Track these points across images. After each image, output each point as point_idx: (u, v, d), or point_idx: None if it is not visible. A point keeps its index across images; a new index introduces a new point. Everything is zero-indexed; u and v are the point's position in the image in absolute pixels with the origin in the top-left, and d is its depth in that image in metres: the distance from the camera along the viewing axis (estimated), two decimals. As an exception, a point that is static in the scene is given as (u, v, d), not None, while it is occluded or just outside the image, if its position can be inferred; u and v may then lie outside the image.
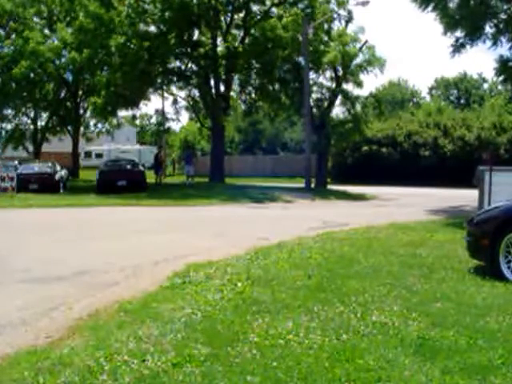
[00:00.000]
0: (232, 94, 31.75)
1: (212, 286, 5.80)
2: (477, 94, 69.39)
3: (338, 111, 35.58)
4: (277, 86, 31.13)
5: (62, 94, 38.21)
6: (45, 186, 23.12)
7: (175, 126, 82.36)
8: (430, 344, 3.98)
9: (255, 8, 30.05)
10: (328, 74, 31.41)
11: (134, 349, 3.91)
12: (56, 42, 34.27)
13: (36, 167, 25.80)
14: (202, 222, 13.45)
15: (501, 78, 19.22)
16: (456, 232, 9.62)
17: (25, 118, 40.68)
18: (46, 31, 36.77)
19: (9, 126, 40.14)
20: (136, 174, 25.32)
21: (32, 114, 40.42)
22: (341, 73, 30.45)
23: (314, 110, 30.22)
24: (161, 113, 38.29)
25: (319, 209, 17.25)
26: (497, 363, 3.63)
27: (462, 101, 69.53)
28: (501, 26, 17.52)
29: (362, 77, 30.66)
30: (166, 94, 34.56)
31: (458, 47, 18.27)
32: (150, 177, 29.34)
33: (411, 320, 4.54)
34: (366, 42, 30.38)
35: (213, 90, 29.22)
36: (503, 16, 17.73)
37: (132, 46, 26.75)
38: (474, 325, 4.43)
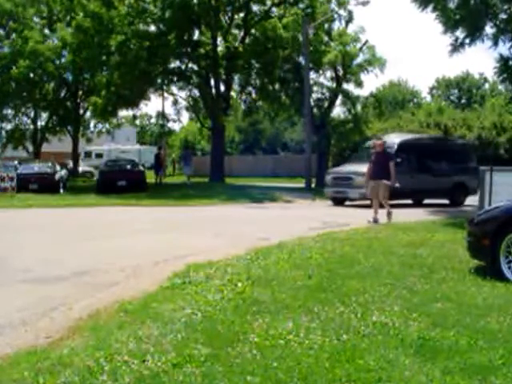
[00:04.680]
0: (232, 93, 31.77)
1: (212, 286, 5.80)
2: (478, 93, 69.39)
3: (339, 111, 35.64)
4: (277, 86, 31.14)
5: (62, 94, 38.23)
6: (45, 186, 23.13)
7: (175, 127, 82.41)
8: (430, 344, 3.97)
9: (255, 8, 30.08)
10: (328, 73, 31.45)
11: (134, 349, 3.91)
12: (56, 42, 34.30)
13: (36, 167, 25.80)
14: (202, 221, 13.44)
15: (501, 78, 19.17)
16: (456, 232, 9.60)
17: (25, 118, 40.72)
18: (46, 31, 36.80)
19: (9, 126, 40.19)
20: (136, 174, 25.35)
21: (32, 114, 40.44)
22: (341, 73, 30.47)
23: (315, 109, 30.24)
24: (161, 114, 38.27)
25: (319, 209, 17.24)
26: (497, 363, 3.63)
27: (463, 101, 69.55)
28: (501, 25, 17.49)
29: (363, 77, 30.71)
30: (166, 94, 34.58)
31: (456, 47, 18.24)
32: (150, 177, 29.34)
33: (412, 320, 4.53)
34: (367, 41, 30.42)
35: (213, 90, 29.23)
36: (503, 16, 17.70)
37: (132, 45, 26.76)
38: (475, 325, 4.43)
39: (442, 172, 18.97)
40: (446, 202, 19.15)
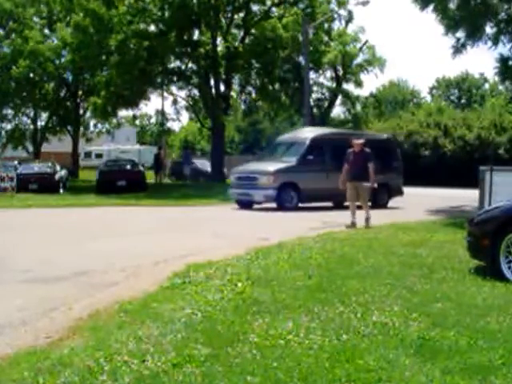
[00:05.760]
0: (232, 93, 31.80)
1: (212, 286, 5.79)
2: (478, 93, 69.41)
3: (339, 111, 35.73)
4: (277, 86, 31.20)
5: (62, 94, 38.23)
6: (44, 186, 23.13)
7: (175, 126, 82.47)
8: (430, 344, 3.97)
9: (255, 8, 30.14)
10: (328, 73, 31.55)
11: (134, 349, 3.91)
12: (56, 42, 34.33)
13: (36, 167, 25.81)
14: (201, 221, 13.43)
15: (502, 78, 19.16)
16: (456, 232, 9.60)
17: (25, 118, 40.74)
18: (46, 31, 36.83)
19: (9, 126, 40.21)
20: (136, 174, 25.37)
21: (32, 114, 40.44)
22: (341, 72, 30.52)
23: (315, 109, 30.30)
24: (161, 113, 38.32)
25: (319, 209, 17.22)
26: (497, 363, 3.63)
27: (463, 100, 69.58)
28: (501, 25, 17.50)
29: (363, 77, 30.82)
30: (165, 94, 34.61)
31: (458, 48, 18.24)
32: (150, 177, 29.33)
33: (412, 320, 4.53)
34: (367, 41, 30.51)
35: (213, 90, 29.25)
36: (504, 16, 17.72)
37: (131, 45, 26.80)
38: (475, 325, 4.43)
39: None
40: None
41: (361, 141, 12.21)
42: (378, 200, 17.24)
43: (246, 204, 16.69)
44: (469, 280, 6.10)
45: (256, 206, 16.74)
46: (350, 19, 31.23)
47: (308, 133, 17.85)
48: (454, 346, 3.94)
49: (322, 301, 5.12)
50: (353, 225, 11.47)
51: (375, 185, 11.99)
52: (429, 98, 73.34)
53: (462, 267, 6.76)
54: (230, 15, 29.83)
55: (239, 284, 5.78)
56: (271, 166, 16.46)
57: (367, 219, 11.56)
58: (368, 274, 6.35)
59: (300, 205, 16.32)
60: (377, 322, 4.48)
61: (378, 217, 12.26)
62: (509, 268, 6.19)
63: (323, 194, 16.37)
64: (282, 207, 15.86)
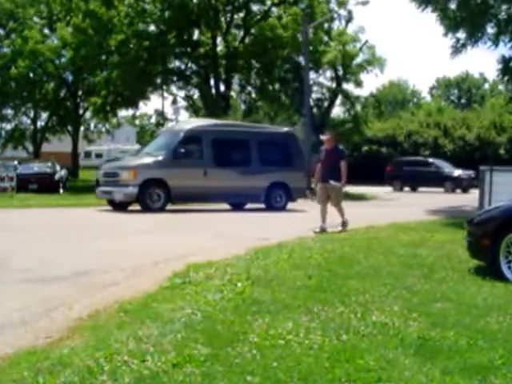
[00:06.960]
0: (232, 93, 31.81)
1: (212, 286, 5.79)
2: (478, 93, 69.49)
3: (338, 111, 35.77)
4: (277, 86, 31.21)
5: (62, 94, 38.23)
6: (44, 186, 23.16)
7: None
8: (430, 344, 3.97)
9: (255, 8, 30.14)
10: (328, 73, 31.55)
11: (134, 349, 3.90)
12: (56, 42, 34.37)
13: (36, 167, 25.85)
14: (201, 222, 13.43)
15: (505, 79, 19.18)
16: (456, 232, 9.60)
17: (25, 118, 40.76)
18: (46, 31, 36.86)
19: (9, 126, 40.23)
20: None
21: (32, 114, 40.45)
22: (341, 72, 30.52)
23: (315, 109, 30.29)
24: (160, 113, 38.33)
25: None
26: (497, 363, 3.62)
27: (463, 100, 69.64)
28: (502, 25, 17.52)
29: (363, 77, 30.80)
30: (165, 94, 34.63)
31: (458, 48, 18.25)
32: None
33: (411, 320, 4.53)
34: (366, 41, 30.50)
35: (213, 90, 29.26)
36: (504, 16, 17.73)
37: (131, 45, 26.82)
38: (475, 325, 4.43)
39: (252, 169, 15.37)
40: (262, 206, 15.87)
41: (328, 136, 10.90)
42: (274, 202, 15.66)
43: (118, 204, 14.93)
44: (469, 280, 6.10)
45: (254, 206, 16.66)
46: (349, 19, 31.25)
47: (185, 124, 16.26)
48: (454, 346, 3.94)
49: (322, 301, 5.12)
50: (322, 230, 10.39)
51: (341, 183, 10.63)
52: (429, 98, 73.41)
53: (462, 267, 6.76)
54: (229, 15, 29.84)
55: (239, 284, 5.78)
56: (136, 161, 15.09)
57: (344, 223, 10.77)
58: (368, 274, 6.35)
59: (170, 206, 14.87)
60: (377, 322, 4.47)
61: (378, 217, 12.26)
62: (509, 268, 6.20)
63: (200, 194, 14.90)
64: (144, 207, 14.39)
